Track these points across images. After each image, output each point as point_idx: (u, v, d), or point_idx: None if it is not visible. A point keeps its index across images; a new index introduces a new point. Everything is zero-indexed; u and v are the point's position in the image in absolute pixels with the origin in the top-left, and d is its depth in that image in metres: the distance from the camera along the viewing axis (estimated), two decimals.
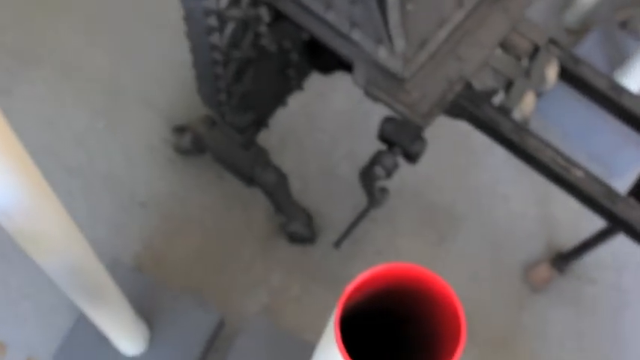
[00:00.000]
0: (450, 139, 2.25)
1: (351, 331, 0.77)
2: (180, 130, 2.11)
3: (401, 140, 1.50)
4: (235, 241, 2.09)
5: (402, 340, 0.79)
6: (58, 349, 1.86)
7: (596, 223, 1.82)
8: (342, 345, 0.57)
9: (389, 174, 1.56)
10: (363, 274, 0.59)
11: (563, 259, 2.04)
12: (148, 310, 1.87)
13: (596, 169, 1.59)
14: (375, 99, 1.41)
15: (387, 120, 1.51)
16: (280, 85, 1.76)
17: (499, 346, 2.04)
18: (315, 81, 1.95)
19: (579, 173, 1.49)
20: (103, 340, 1.74)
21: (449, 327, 0.61)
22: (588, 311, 2.10)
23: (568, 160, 1.49)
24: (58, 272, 1.16)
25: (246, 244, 2.09)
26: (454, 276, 2.05)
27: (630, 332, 2.09)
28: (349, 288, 0.59)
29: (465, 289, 2.09)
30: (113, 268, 1.90)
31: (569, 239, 2.09)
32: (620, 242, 1.90)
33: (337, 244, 1.97)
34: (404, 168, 1.84)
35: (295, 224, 2.01)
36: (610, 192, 1.50)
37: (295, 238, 2.06)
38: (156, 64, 2.31)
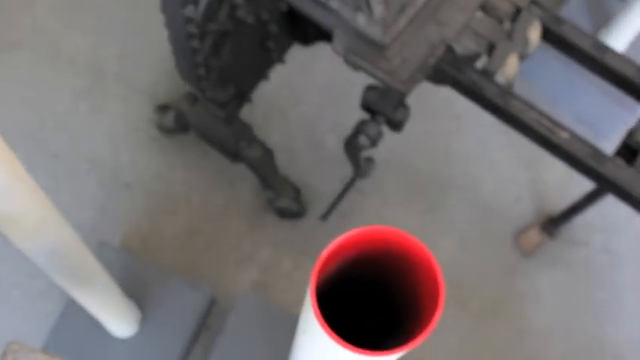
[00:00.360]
0: (436, 106, 2.23)
1: (332, 300, 0.76)
2: (163, 108, 2.08)
3: (384, 108, 1.48)
4: (223, 219, 2.07)
5: (384, 306, 0.77)
6: (49, 334, 1.85)
7: (584, 185, 1.81)
8: (319, 313, 0.56)
9: (373, 143, 1.54)
10: (336, 240, 0.58)
11: (553, 223, 2.03)
12: (137, 291, 1.86)
13: (583, 131, 1.57)
14: (356, 67, 1.39)
15: (369, 88, 1.48)
16: (260, 58, 1.73)
17: (492, 312, 2.04)
18: (297, 53, 1.92)
19: (565, 135, 1.47)
20: (94, 324, 1.73)
21: (428, 290, 0.59)
22: (580, 274, 2.10)
23: (553, 121, 1.48)
24: (39, 255, 1.15)
25: (234, 220, 2.08)
26: (444, 244, 2.05)
27: (623, 293, 2.09)
28: (324, 254, 0.57)
29: (456, 256, 2.08)
30: (100, 250, 1.89)
31: (559, 203, 2.08)
32: (610, 204, 1.89)
33: (324, 216, 1.96)
34: (390, 137, 1.82)
35: (283, 199, 1.99)
36: (596, 153, 1.49)
37: (284, 213, 2.04)
38: (136, 43, 2.27)
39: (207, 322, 1.97)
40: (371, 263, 0.67)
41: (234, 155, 1.89)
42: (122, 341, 1.82)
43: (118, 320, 1.71)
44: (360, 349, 0.55)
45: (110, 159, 2.13)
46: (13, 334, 1.93)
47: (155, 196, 2.09)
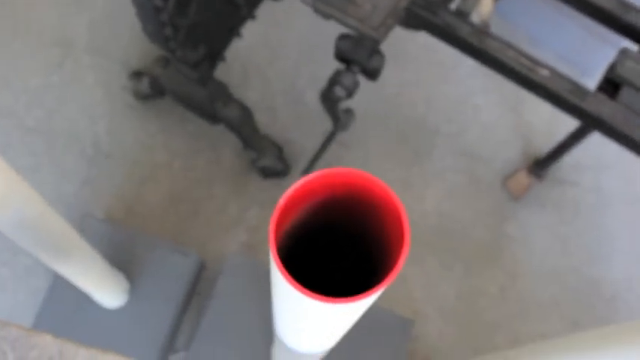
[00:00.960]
0: (416, 54, 2.19)
1: (302, 252, 0.74)
2: (137, 75, 2.04)
3: (358, 57, 1.45)
4: (206, 182, 2.04)
5: (357, 257, 0.75)
6: (38, 309, 1.83)
7: (570, 126, 1.79)
8: (278, 261, 0.53)
9: (350, 94, 1.51)
10: (293, 186, 0.55)
11: (541, 165, 2.01)
12: (124, 261, 1.84)
13: (567, 70, 1.54)
14: (326, 16, 1.35)
15: (342, 37, 1.45)
16: (230, 15, 1.69)
17: (484, 258, 2.02)
18: (272, 9, 1.88)
19: (545, 72, 1.44)
20: (83, 296, 1.71)
21: (395, 232, 0.57)
22: (570, 215, 2.08)
23: (532, 60, 1.45)
24: (10, 229, 1.11)
25: (217, 184, 2.05)
26: (432, 194, 2.03)
27: (613, 231, 2.07)
28: (281, 201, 0.54)
29: (445, 205, 2.06)
30: (83, 222, 1.86)
31: (545, 144, 2.06)
32: (597, 142, 1.88)
33: (305, 172, 1.93)
34: (371, 88, 1.79)
35: (266, 158, 1.96)
36: (578, 89, 1.46)
37: (268, 173, 2.01)
38: (104, 11, 2.22)
39: (198, 288, 1.95)
40: (339, 210, 0.64)
41: (212, 117, 1.85)
42: (112, 312, 1.80)
43: (106, 292, 1.69)
44: (321, 296, 0.53)
45: (88, 130, 2.09)
46: (2, 311, 1.91)
47: (136, 165, 2.06)
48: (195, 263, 1.87)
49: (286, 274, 0.54)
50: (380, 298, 1.94)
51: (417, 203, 2.06)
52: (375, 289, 0.54)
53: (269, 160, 1.96)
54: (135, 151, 2.06)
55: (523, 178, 2.04)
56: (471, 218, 2.06)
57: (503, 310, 1.98)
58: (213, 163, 2.06)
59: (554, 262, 2.03)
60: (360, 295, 0.53)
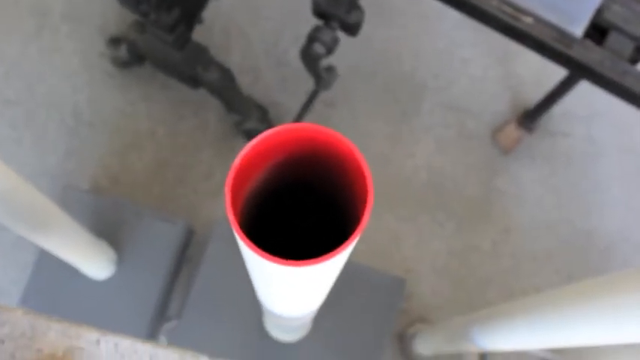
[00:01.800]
0: (400, 7, 2.14)
1: (267, 214, 0.71)
2: (114, 41, 1.99)
3: (336, 12, 1.40)
4: (191, 149, 2.01)
5: (325, 215, 0.72)
6: (26, 284, 1.81)
7: (559, 75, 1.75)
8: (236, 224, 0.50)
9: (329, 50, 1.47)
10: (248, 145, 0.52)
11: (530, 117, 1.97)
12: (111, 231, 1.81)
13: (556, 19, 1.50)
14: None
15: None
16: None
17: (475, 214, 2.00)
18: None
19: (528, 20, 1.40)
20: (70, 269, 1.69)
21: (359, 188, 0.54)
22: (562, 166, 2.05)
23: (516, 7, 1.40)
24: None
25: (202, 149, 2.01)
26: (421, 150, 1.99)
27: (607, 181, 2.05)
28: (236, 162, 0.51)
29: (435, 160, 2.03)
30: (65, 194, 1.83)
31: (535, 96, 2.01)
32: (588, 91, 1.83)
33: None
34: (356, 44, 1.74)
35: (250, 121, 1.92)
36: (564, 36, 1.42)
37: (252, 136, 1.96)
38: None
39: (188, 254, 1.93)
40: (305, 168, 0.61)
41: (193, 81, 1.81)
42: (101, 283, 1.78)
43: (93, 263, 1.67)
44: (281, 259, 0.50)
45: (68, 100, 2.05)
46: None
47: (119, 133, 2.02)
48: (183, 230, 1.85)
49: (244, 236, 0.51)
50: (371, 258, 1.93)
51: (406, 160, 2.03)
52: (339, 249, 0.51)
53: (254, 122, 1.93)
54: (117, 120, 2.02)
55: (513, 131, 2.01)
56: (462, 173, 2.03)
57: (496, 265, 1.96)
58: (197, 129, 2.02)
59: (547, 215, 2.01)
60: (322, 257, 0.50)
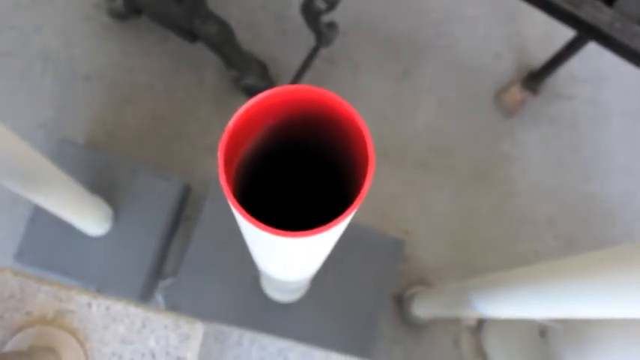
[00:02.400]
0: None
1: (264, 181, 0.68)
2: None
3: None
4: (189, 104, 1.97)
5: (325, 182, 0.69)
6: (21, 240, 1.79)
7: (566, 36, 1.71)
8: (229, 191, 0.47)
9: (331, 6, 1.42)
10: (243, 107, 0.49)
11: (536, 78, 1.93)
12: (106, 187, 1.79)
13: None
14: None
15: None
16: None
17: (478, 176, 1.97)
18: None
19: None
20: (66, 225, 1.66)
21: (359, 154, 0.51)
22: (566, 130, 2.02)
23: None
24: None
25: (200, 105, 1.97)
26: (423, 110, 1.96)
27: (611, 146, 2.01)
28: (230, 124, 0.48)
29: (437, 122, 2.00)
30: (61, 148, 1.80)
31: (540, 58, 1.97)
32: (594, 53, 1.79)
33: None
34: (358, 1, 1.70)
35: (249, 77, 1.88)
36: None
37: (252, 92, 1.93)
38: None
39: (186, 212, 1.91)
40: (301, 131, 0.58)
41: (191, 35, 1.76)
42: (97, 240, 1.76)
43: (88, 220, 1.64)
44: (275, 230, 0.47)
45: (64, 52, 2.00)
46: None
47: (116, 87, 1.98)
48: (179, 188, 1.82)
49: (237, 205, 0.48)
50: (370, 219, 1.91)
51: (408, 121, 1.99)
52: (336, 220, 0.48)
53: (253, 78, 1.88)
54: (113, 73, 1.98)
55: (517, 93, 1.97)
56: (464, 135, 2.00)
57: (496, 229, 1.94)
58: (195, 84, 1.98)
59: (550, 179, 1.98)
60: (319, 228, 0.48)
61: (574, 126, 2.01)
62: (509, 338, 1.65)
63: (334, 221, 0.48)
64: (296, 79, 1.82)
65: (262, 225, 0.48)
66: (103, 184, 1.78)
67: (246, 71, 1.87)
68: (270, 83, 1.93)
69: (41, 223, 1.77)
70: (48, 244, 1.77)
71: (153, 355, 0.78)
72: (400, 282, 1.88)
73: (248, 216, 0.48)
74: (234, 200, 0.48)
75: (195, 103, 1.97)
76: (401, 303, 1.86)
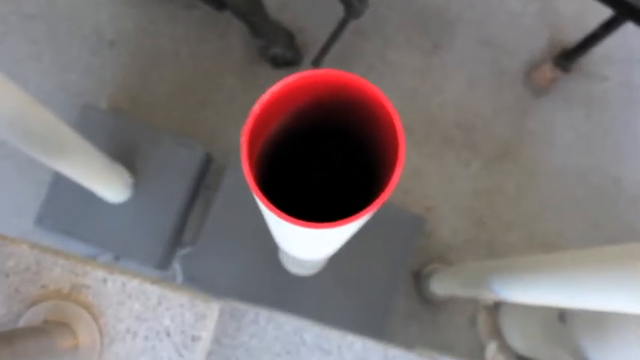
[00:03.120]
0: None
1: (287, 167, 0.66)
2: None
3: None
4: (214, 72, 1.95)
5: (352, 168, 0.67)
6: (40, 205, 1.79)
7: (601, 15, 1.66)
8: (252, 180, 0.46)
9: None
10: (269, 91, 0.47)
11: (568, 57, 1.88)
12: (128, 154, 1.78)
13: None
14: None
15: None
16: None
17: (503, 155, 1.94)
18: None
19: None
20: (86, 191, 1.66)
21: (387, 139, 0.49)
22: (597, 111, 1.97)
23: None
24: None
25: (226, 74, 1.95)
26: (452, 85, 1.92)
27: None
28: (255, 109, 0.46)
29: (464, 98, 1.96)
30: (84, 113, 1.79)
31: (574, 35, 1.92)
32: (630, 33, 1.74)
33: (315, 62, 1.82)
34: None
35: (276, 47, 1.85)
36: None
37: (278, 62, 1.91)
38: None
39: (207, 181, 1.90)
40: (327, 113, 0.56)
41: (219, 3, 1.74)
42: (117, 207, 1.76)
43: (109, 187, 1.64)
44: (298, 221, 0.45)
45: (90, 16, 1.98)
46: (7, 205, 1.88)
47: (141, 53, 1.96)
48: (201, 157, 1.81)
49: (260, 193, 0.46)
50: (393, 195, 1.88)
51: (435, 95, 1.96)
52: (363, 212, 0.46)
53: (279, 48, 1.86)
54: (139, 39, 1.96)
55: (548, 71, 1.92)
56: (492, 112, 1.96)
57: (519, 208, 1.91)
58: (221, 53, 1.96)
59: (577, 161, 1.94)
60: (345, 220, 0.46)
61: (605, 108, 1.96)
62: (526, 320, 1.63)
63: (359, 214, 0.46)
64: (323, 51, 1.79)
65: (286, 216, 0.46)
66: (124, 151, 1.78)
67: (273, 41, 1.84)
68: (296, 54, 1.90)
69: (61, 188, 1.77)
70: (68, 210, 1.77)
71: (168, 334, 0.77)
72: (419, 259, 1.86)
73: (271, 206, 0.46)
74: (257, 189, 0.46)
75: (221, 72, 1.95)
76: (419, 280, 1.85)
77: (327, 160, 0.69)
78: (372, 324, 1.74)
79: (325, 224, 0.46)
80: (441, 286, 1.71)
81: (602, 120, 1.96)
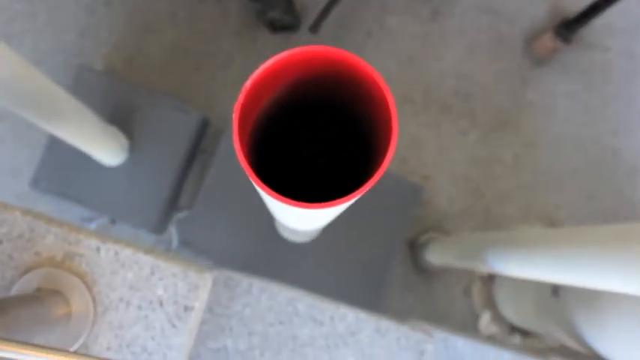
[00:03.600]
0: None
1: (278, 141, 0.65)
2: None
3: None
4: (211, 35, 1.93)
5: (334, 134, 0.67)
6: (36, 167, 1.78)
7: None
8: (243, 159, 0.45)
9: None
10: (260, 68, 0.46)
11: (569, 26, 1.86)
12: (124, 116, 1.77)
13: None
14: None
15: None
16: None
17: (501, 125, 1.93)
18: None
19: None
20: (82, 154, 1.65)
21: (383, 119, 0.48)
22: (597, 81, 1.95)
23: None
24: None
25: (223, 37, 1.93)
26: (451, 53, 1.90)
27: None
28: (247, 85, 0.45)
29: (463, 66, 1.94)
30: (79, 74, 1.77)
31: (576, 4, 1.89)
32: (632, 3, 1.72)
33: (313, 27, 1.79)
34: None
35: (274, 11, 1.83)
36: None
37: (276, 26, 1.88)
38: None
39: (203, 145, 1.89)
40: (321, 87, 0.55)
41: None
42: (113, 170, 1.75)
43: (104, 150, 1.63)
44: (292, 201, 0.45)
45: None
46: (3, 167, 1.87)
47: (137, 14, 1.93)
48: (197, 121, 1.80)
49: (252, 173, 0.45)
50: (390, 163, 1.87)
51: (434, 62, 1.94)
52: (355, 192, 0.46)
53: (277, 12, 1.83)
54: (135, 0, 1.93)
55: (549, 40, 1.90)
56: (491, 81, 1.94)
57: (517, 179, 1.91)
58: (218, 16, 1.93)
59: (575, 131, 1.94)
60: (338, 200, 0.45)
61: (606, 78, 1.95)
62: (520, 293, 1.64)
63: (349, 196, 0.45)
64: (322, 16, 1.76)
65: (278, 196, 0.45)
66: (120, 114, 1.76)
67: (271, 4, 1.81)
68: (294, 18, 1.87)
69: (57, 151, 1.76)
70: (63, 172, 1.77)
71: (160, 303, 0.77)
72: (415, 227, 1.87)
73: (264, 186, 0.45)
74: (250, 168, 0.45)
75: (218, 35, 1.92)
76: (414, 249, 1.85)
77: (320, 133, 0.68)
78: (367, 292, 1.75)
79: (317, 204, 0.46)
80: (436, 256, 1.71)
81: (602, 91, 1.94)
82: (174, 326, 0.77)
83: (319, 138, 0.69)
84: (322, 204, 0.46)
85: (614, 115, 1.93)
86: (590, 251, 0.82)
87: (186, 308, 0.77)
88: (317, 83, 0.52)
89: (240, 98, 0.45)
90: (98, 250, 0.77)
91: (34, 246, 0.76)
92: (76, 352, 0.55)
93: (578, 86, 1.94)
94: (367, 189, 0.46)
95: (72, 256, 0.77)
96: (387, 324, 0.93)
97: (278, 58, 0.46)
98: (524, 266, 1.05)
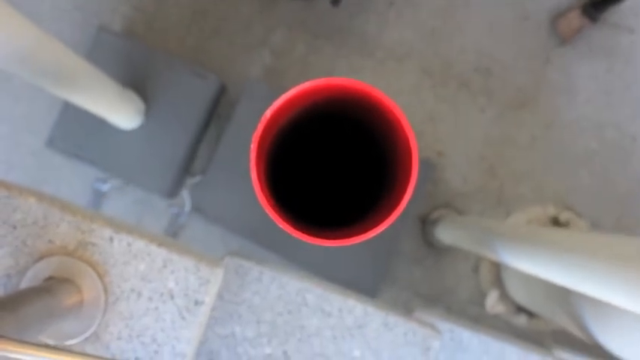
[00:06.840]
0: None
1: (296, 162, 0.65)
2: None
3: None
4: (231, 0, 1.90)
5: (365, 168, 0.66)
6: (52, 126, 1.78)
7: None
8: (261, 193, 0.45)
9: None
10: (279, 100, 0.45)
11: (597, 6, 1.82)
12: (141, 80, 1.76)
13: None
14: None
15: None
16: None
17: (521, 104, 1.91)
18: None
19: None
20: (97, 117, 1.65)
21: (402, 150, 0.47)
22: (621, 64, 1.92)
23: None
24: (5, 61, 1.03)
25: (243, 2, 1.90)
26: (472, 30, 1.87)
27: None
28: (266, 115, 0.45)
29: (485, 43, 1.91)
30: (99, 35, 1.76)
31: None
32: None
33: (335, 1, 1.76)
34: None
35: None
36: None
37: None
38: None
39: (219, 111, 1.88)
40: (337, 110, 0.54)
41: None
42: (128, 133, 1.75)
43: (119, 115, 1.63)
44: (309, 237, 0.45)
45: None
46: (19, 126, 1.88)
47: None
48: (214, 86, 1.79)
49: (271, 210, 0.45)
50: None
51: (455, 37, 1.91)
52: (372, 230, 0.45)
53: None
54: None
55: (575, 19, 1.86)
56: (513, 59, 1.91)
57: (532, 159, 1.89)
58: None
59: (595, 114, 1.91)
60: (355, 237, 0.45)
61: (630, 61, 1.91)
62: (530, 277, 1.64)
63: (362, 235, 0.45)
64: None
65: (297, 232, 0.45)
66: (137, 77, 1.76)
67: None
68: None
69: (73, 111, 1.76)
70: (79, 133, 1.77)
71: (171, 296, 0.78)
72: (426, 203, 1.86)
73: (284, 223, 0.45)
74: (269, 206, 0.45)
75: (238, 0, 1.90)
76: (425, 225, 1.85)
77: (333, 141, 0.67)
78: (376, 265, 1.76)
79: (334, 241, 0.46)
80: (445, 234, 1.72)
81: (625, 74, 1.91)
82: (183, 319, 0.77)
83: (332, 146, 0.68)
84: (333, 241, 0.46)
85: (635, 100, 1.90)
86: (602, 264, 0.81)
87: (197, 302, 0.78)
88: (333, 104, 0.51)
89: (259, 129, 0.45)
90: (111, 240, 0.77)
91: (47, 233, 0.77)
92: (75, 352, 0.56)
93: (601, 68, 1.91)
94: (385, 227, 0.46)
95: (85, 244, 0.77)
96: (394, 318, 0.94)
97: (299, 89, 0.45)
98: (534, 266, 1.05)
